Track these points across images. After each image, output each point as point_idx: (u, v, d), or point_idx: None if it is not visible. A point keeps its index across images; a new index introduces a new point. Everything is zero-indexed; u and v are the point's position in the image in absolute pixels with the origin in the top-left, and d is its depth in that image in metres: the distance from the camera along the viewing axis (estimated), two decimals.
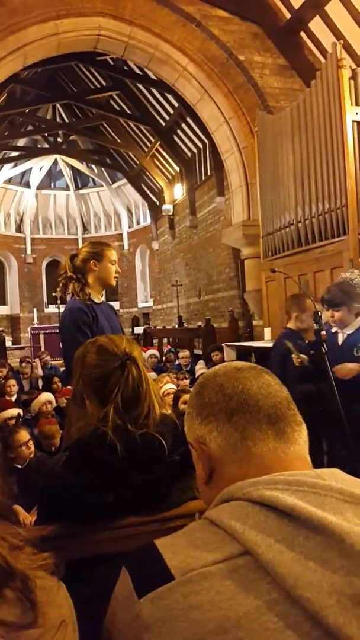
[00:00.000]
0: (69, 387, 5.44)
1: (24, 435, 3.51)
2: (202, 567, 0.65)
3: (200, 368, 7.01)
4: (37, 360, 9.08)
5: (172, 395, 4.38)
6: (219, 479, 0.80)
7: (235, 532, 0.67)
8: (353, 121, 5.66)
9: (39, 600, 0.61)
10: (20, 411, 4.98)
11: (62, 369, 7.51)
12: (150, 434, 1.29)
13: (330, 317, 3.32)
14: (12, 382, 6.16)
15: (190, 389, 5.30)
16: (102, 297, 2.89)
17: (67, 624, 0.64)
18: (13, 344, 16.47)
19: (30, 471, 3.28)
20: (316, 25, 7.62)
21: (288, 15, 7.96)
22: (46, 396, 5.28)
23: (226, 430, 0.79)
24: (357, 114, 5.69)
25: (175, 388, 4.64)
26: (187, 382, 5.69)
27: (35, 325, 16.34)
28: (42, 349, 13.20)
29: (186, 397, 4.25)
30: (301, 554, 0.63)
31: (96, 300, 2.79)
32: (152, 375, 5.39)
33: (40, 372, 8.09)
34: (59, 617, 0.63)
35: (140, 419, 1.33)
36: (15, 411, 4.89)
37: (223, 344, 6.67)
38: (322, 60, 7.23)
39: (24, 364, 7.78)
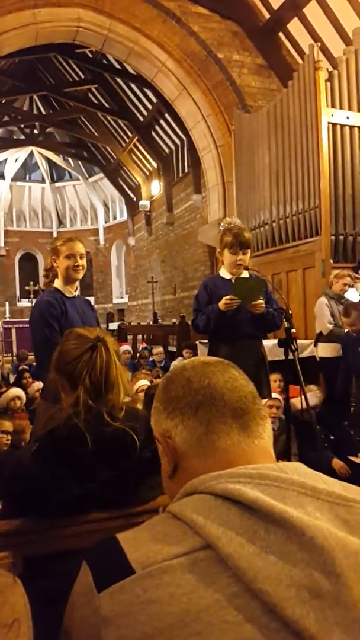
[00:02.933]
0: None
1: (6, 424, 3.46)
2: (162, 560, 0.65)
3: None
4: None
5: (140, 394, 4.37)
6: (183, 472, 0.80)
7: (196, 525, 0.67)
8: (328, 123, 5.73)
9: None
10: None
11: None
12: (122, 429, 1.29)
13: None
14: None
15: None
16: (76, 290, 2.88)
17: (21, 622, 0.62)
18: None
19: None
20: (294, 26, 7.69)
21: (267, 16, 8.01)
22: (14, 391, 5.17)
23: (191, 424, 0.80)
24: (332, 115, 5.77)
25: (146, 383, 4.63)
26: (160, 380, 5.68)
27: (7, 319, 16.09)
28: (14, 343, 13.01)
29: None
30: (262, 547, 0.63)
31: (67, 294, 2.79)
32: (128, 375, 5.36)
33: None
34: (12, 615, 0.62)
35: (109, 404, 1.33)
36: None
37: (197, 342, 6.69)
38: (300, 61, 7.29)
39: None
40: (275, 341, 3.21)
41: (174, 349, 9.66)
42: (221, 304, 3.01)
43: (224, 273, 3.25)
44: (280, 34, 8.09)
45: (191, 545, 0.66)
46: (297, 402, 3.72)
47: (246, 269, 3.19)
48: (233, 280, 3.12)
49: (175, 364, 7.15)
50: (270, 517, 0.65)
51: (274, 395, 3.79)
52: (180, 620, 0.61)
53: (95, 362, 1.36)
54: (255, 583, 0.61)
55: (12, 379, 7.50)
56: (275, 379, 4.28)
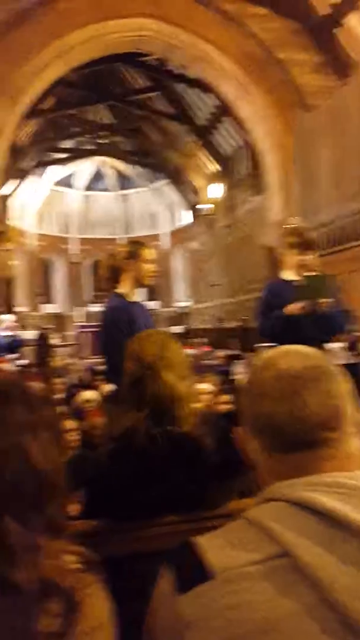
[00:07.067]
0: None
1: (68, 423, 3.58)
2: (240, 567, 0.66)
3: (241, 372, 6.84)
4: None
5: (207, 396, 4.36)
6: (262, 473, 0.80)
7: (274, 533, 0.67)
8: None
9: (80, 606, 0.63)
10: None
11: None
12: (192, 434, 1.30)
13: None
14: (58, 380, 6.25)
15: (226, 387, 5.26)
16: (138, 295, 2.93)
17: (105, 625, 0.65)
18: (59, 341, 16.77)
19: (73, 464, 3.32)
20: (355, 21, 7.45)
21: (326, 12, 7.82)
22: (87, 394, 5.33)
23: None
24: None
25: (210, 388, 4.62)
26: (223, 385, 5.64)
27: (80, 323, 16.59)
28: (87, 346, 13.35)
29: (224, 397, 4.24)
30: (339, 558, 0.63)
31: (132, 299, 2.83)
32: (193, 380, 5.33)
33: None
34: (97, 619, 0.64)
35: (173, 421, 1.33)
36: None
37: (259, 345, 6.60)
38: None
39: (69, 360, 7.86)
40: (337, 344, 3.11)
41: (236, 352, 9.60)
42: (287, 310, 2.93)
43: (287, 275, 3.18)
44: (340, 30, 7.87)
45: (268, 553, 0.66)
46: None
47: (310, 270, 3.12)
48: (297, 282, 3.06)
49: (237, 369, 7.02)
50: (347, 528, 0.64)
51: None
52: (259, 628, 0.62)
53: (149, 392, 1.34)
54: (332, 593, 0.61)
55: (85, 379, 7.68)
56: None
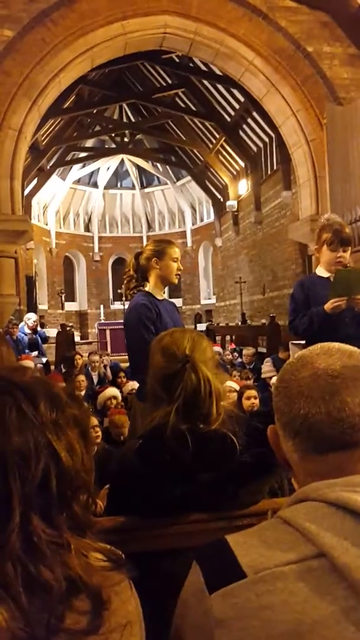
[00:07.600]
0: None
1: (93, 419, 3.62)
2: (274, 566, 0.64)
3: (268, 370, 6.76)
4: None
5: (232, 394, 4.35)
6: (297, 472, 0.78)
7: (309, 533, 0.65)
8: None
9: (108, 604, 0.62)
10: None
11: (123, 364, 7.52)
12: (222, 432, 1.28)
13: None
14: (82, 377, 6.28)
15: (254, 384, 5.23)
16: (164, 293, 2.94)
17: (133, 623, 0.64)
18: (81, 339, 17.01)
19: (97, 460, 3.35)
20: None
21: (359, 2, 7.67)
22: (111, 391, 5.38)
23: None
24: None
25: (237, 387, 4.60)
26: (251, 381, 5.61)
27: (102, 321, 16.77)
28: (108, 344, 13.50)
29: (249, 393, 4.22)
30: None
31: (158, 297, 2.84)
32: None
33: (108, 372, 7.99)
34: (125, 617, 0.63)
35: (204, 418, 1.31)
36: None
37: (290, 342, 6.53)
38: None
39: (92, 356, 7.89)
40: None
41: (264, 350, 9.53)
42: (327, 307, 2.84)
43: (321, 271, 3.10)
44: None
45: (303, 553, 0.64)
46: None
47: (345, 267, 3.04)
48: (332, 279, 2.96)
49: (265, 368, 6.96)
50: None
51: None
52: (294, 629, 0.60)
53: (186, 386, 1.31)
54: None
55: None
56: None
